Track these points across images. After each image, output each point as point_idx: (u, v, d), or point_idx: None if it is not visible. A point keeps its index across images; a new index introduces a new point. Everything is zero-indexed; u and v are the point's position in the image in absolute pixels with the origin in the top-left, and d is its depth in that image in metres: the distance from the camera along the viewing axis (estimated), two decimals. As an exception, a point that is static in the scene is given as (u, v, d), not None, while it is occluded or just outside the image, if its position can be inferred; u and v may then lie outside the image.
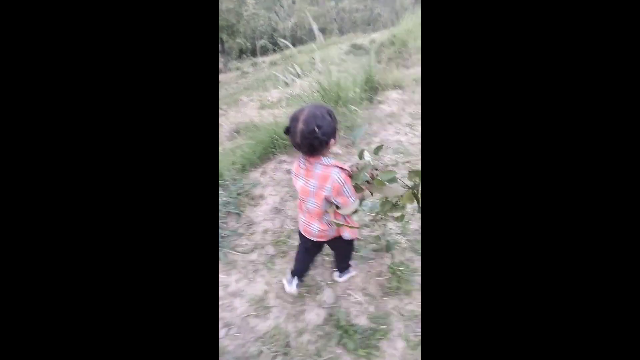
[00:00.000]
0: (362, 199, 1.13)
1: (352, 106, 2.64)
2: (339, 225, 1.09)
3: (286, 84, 3.37)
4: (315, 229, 1.14)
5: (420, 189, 1.08)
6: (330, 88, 2.62)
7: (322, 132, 0.94)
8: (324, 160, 1.02)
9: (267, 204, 1.89)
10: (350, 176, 1.06)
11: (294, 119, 0.96)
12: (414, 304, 1.29)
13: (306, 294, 1.40)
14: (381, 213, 1.21)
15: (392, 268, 1.44)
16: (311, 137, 0.94)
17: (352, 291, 1.40)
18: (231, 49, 15.98)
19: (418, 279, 1.38)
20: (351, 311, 1.32)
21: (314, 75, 3.02)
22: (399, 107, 2.86)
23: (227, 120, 3.48)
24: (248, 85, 7.02)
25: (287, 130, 0.98)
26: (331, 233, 1.15)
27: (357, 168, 1.10)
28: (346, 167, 1.05)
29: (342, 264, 1.42)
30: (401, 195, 1.10)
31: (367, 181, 1.09)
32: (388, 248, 1.53)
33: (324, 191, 1.02)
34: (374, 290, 1.39)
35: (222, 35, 13.63)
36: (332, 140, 0.99)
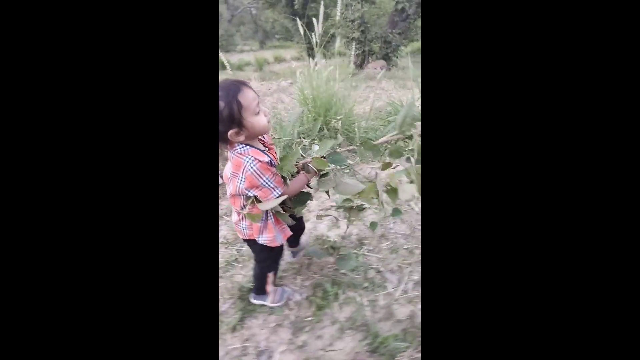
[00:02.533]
0: (304, 194, 0.94)
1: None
2: (251, 218, 0.87)
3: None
4: (233, 219, 0.98)
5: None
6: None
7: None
8: (239, 147, 0.83)
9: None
10: (272, 165, 0.85)
11: None
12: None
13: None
14: (348, 221, 1.00)
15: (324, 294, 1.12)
16: None
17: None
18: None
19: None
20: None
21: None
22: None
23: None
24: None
25: None
26: (244, 230, 0.95)
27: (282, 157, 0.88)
28: (264, 157, 0.84)
29: (257, 281, 1.10)
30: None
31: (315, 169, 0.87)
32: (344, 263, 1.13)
33: (237, 180, 0.84)
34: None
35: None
36: (229, 133, 0.79)
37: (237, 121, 0.78)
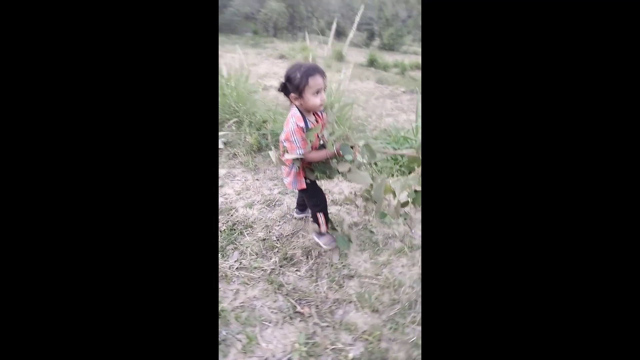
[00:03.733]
0: (325, 161, 1.22)
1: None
2: (273, 158, 1.18)
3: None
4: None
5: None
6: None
7: (284, 83, 1.15)
8: (294, 109, 1.18)
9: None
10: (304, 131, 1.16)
11: None
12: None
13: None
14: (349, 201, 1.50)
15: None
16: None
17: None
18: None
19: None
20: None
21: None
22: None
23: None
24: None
25: None
26: (282, 172, 1.35)
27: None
28: (302, 123, 1.15)
29: (314, 222, 1.43)
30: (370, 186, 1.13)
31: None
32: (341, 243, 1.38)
33: (283, 131, 1.20)
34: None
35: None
36: (291, 94, 1.14)
37: (299, 91, 1.12)
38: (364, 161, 1.09)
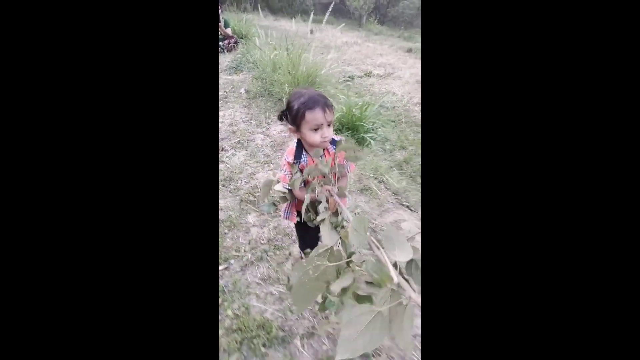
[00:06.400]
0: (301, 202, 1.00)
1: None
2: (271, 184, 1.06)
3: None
4: None
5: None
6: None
7: (284, 111, 1.02)
8: (294, 139, 1.06)
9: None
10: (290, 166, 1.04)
11: None
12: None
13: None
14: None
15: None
16: None
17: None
18: None
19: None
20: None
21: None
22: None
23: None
24: None
25: None
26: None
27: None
28: (291, 157, 1.04)
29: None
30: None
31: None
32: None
33: None
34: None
35: None
36: (290, 127, 1.00)
37: (295, 124, 0.97)
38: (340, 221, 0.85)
